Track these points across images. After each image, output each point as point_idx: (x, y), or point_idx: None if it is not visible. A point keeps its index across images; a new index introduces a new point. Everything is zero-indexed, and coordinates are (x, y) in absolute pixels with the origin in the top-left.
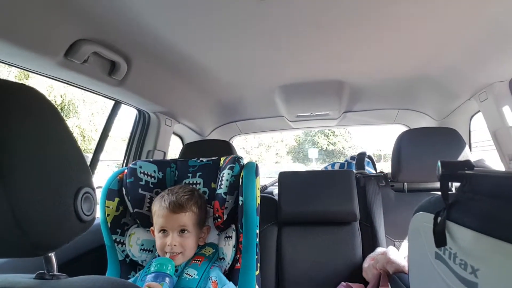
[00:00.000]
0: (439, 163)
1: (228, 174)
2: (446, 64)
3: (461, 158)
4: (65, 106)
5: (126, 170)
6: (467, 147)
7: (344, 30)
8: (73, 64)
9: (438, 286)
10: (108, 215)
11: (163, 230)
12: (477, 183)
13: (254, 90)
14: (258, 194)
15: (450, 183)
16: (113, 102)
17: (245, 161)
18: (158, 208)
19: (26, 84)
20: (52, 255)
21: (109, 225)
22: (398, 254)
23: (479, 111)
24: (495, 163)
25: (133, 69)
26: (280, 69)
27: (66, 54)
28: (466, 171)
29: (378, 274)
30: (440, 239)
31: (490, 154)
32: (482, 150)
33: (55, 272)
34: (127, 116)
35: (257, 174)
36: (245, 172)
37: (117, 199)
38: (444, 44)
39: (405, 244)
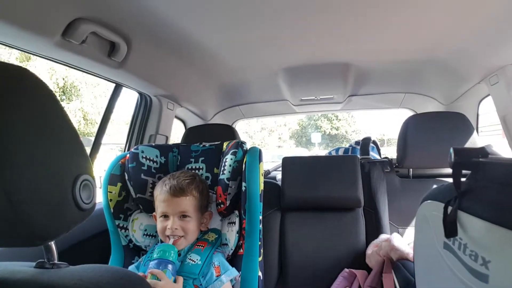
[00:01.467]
0: (451, 150)
1: (231, 159)
2: (456, 46)
3: (469, 143)
4: (67, 89)
5: (128, 155)
6: (475, 132)
7: (351, 10)
8: (71, 44)
9: (446, 276)
10: (110, 200)
11: (164, 215)
12: (491, 171)
13: (257, 73)
14: (262, 179)
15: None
16: (114, 84)
17: (248, 145)
18: (159, 192)
19: (22, 66)
20: (52, 243)
21: (111, 210)
22: (402, 241)
23: (488, 95)
24: (501, 149)
25: (134, 51)
26: (284, 51)
27: (63, 34)
28: (481, 159)
29: (382, 261)
30: (450, 229)
31: (495, 139)
32: (486, 135)
33: (56, 261)
34: (130, 99)
35: (260, 160)
36: (248, 157)
37: (119, 184)
38: (455, 25)
39: (409, 231)
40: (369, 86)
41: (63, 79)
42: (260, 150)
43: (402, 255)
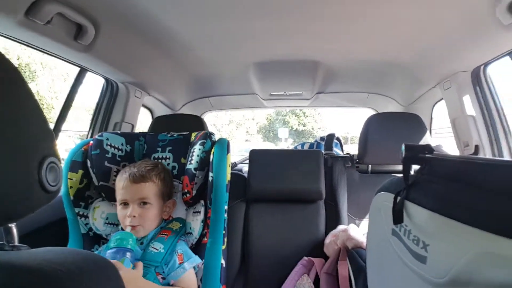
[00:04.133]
0: (403, 146)
1: (199, 149)
2: (416, 52)
3: (422, 143)
4: (22, 70)
5: (91, 142)
6: (428, 133)
7: (322, 10)
8: (35, 24)
9: (392, 259)
10: (71, 187)
11: (124, 203)
12: (435, 166)
13: (228, 66)
14: (229, 171)
15: (411, 166)
16: (78, 69)
17: (216, 137)
18: (119, 180)
19: None
20: (13, 225)
21: (71, 197)
22: (358, 231)
23: (442, 99)
24: (451, 150)
25: (102, 35)
26: (257, 46)
27: (27, 13)
28: (427, 155)
29: (338, 250)
30: (397, 217)
31: (448, 141)
32: (441, 137)
33: (16, 243)
34: (92, 85)
35: (228, 151)
36: (217, 148)
37: (81, 171)
38: (416, 33)
39: (365, 222)
40: (336, 84)
41: (17, 58)
42: (228, 142)
43: (357, 244)
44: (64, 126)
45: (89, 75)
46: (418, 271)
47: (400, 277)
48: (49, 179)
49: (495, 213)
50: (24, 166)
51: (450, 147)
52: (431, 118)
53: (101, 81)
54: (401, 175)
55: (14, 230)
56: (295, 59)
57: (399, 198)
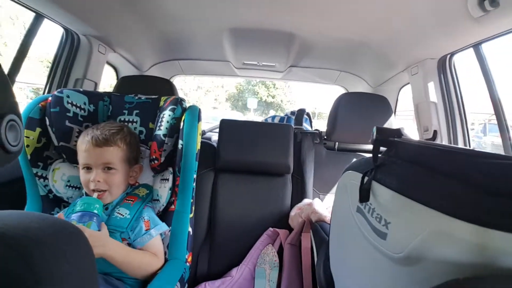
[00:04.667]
0: (374, 129)
1: (169, 115)
2: (388, 34)
3: (387, 124)
4: None
5: (50, 98)
6: (393, 115)
7: None
8: None
9: (355, 234)
10: (27, 146)
11: (87, 167)
12: (400, 150)
13: (202, 28)
14: (199, 139)
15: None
16: (33, 14)
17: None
18: (80, 142)
19: None
20: None
21: (28, 157)
22: (322, 205)
23: (408, 83)
24: (410, 133)
25: None
26: (231, 10)
27: None
28: (396, 138)
29: (303, 222)
30: (364, 195)
31: (407, 123)
32: (401, 119)
33: None
34: (47, 33)
35: (199, 119)
36: (188, 115)
37: (38, 130)
38: (388, 15)
39: (328, 197)
40: (310, 59)
41: None
42: (199, 109)
43: (321, 218)
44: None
45: (46, 23)
46: (378, 246)
47: (361, 251)
48: (9, 139)
49: (448, 195)
50: None
51: (409, 130)
52: (397, 101)
53: (60, 30)
54: (367, 155)
55: None
56: (271, 29)
57: (366, 178)
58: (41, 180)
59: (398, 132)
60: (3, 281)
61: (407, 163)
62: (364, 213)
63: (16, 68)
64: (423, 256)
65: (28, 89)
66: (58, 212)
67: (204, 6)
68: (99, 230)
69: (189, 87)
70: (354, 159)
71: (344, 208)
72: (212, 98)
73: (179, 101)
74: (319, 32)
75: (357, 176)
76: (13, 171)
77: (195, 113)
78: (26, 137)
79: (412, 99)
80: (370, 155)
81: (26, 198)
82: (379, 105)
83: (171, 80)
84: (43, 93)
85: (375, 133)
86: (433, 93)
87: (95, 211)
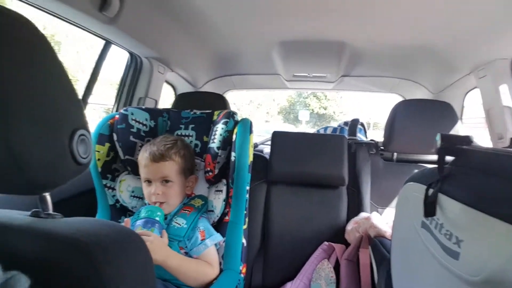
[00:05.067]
0: (438, 136)
1: (222, 128)
2: (451, 37)
3: (453, 133)
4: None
5: (117, 116)
6: (459, 122)
7: None
8: None
9: (420, 252)
10: (98, 159)
11: (148, 180)
12: (472, 159)
13: (253, 44)
14: (251, 151)
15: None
16: (103, 42)
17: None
18: (141, 157)
19: (17, 11)
20: (47, 195)
21: (99, 169)
22: (381, 220)
23: (475, 87)
24: (480, 142)
25: (126, 7)
26: (282, 24)
27: None
28: (464, 146)
29: (360, 237)
30: (430, 210)
31: (476, 132)
32: (469, 127)
33: (50, 212)
34: (115, 60)
35: (251, 131)
36: (240, 128)
37: (107, 145)
38: (452, 16)
39: (388, 211)
40: (362, 68)
41: (43, 29)
42: (251, 122)
43: (380, 233)
44: (90, 99)
45: (114, 50)
46: (449, 267)
47: (429, 271)
48: (80, 151)
49: None
50: (56, 137)
51: (480, 139)
52: (462, 107)
53: (126, 55)
54: (428, 165)
55: (49, 199)
56: (321, 40)
57: (431, 190)
58: (110, 190)
59: (467, 139)
60: (73, 281)
61: (481, 173)
62: (430, 229)
63: (88, 90)
64: (505, 280)
65: (101, 110)
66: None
67: (255, 23)
68: (160, 235)
69: (241, 101)
70: (415, 170)
71: (406, 223)
72: (264, 111)
73: (231, 115)
74: (373, 39)
75: (420, 188)
76: (87, 183)
77: (247, 126)
78: (97, 151)
79: (482, 105)
80: (432, 166)
81: (97, 207)
82: (442, 112)
83: (224, 95)
84: (112, 111)
85: (439, 141)
86: (507, 97)
87: (157, 219)
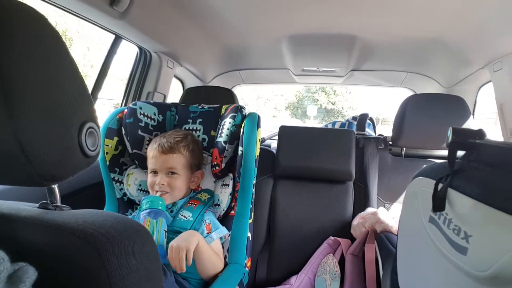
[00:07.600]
0: (450, 130)
1: (230, 123)
2: (464, 30)
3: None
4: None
5: (125, 110)
6: (471, 117)
7: None
8: None
9: (427, 247)
10: (106, 153)
11: (154, 171)
12: (484, 154)
13: (261, 38)
14: (258, 145)
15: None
16: (113, 36)
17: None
18: (149, 149)
19: (32, 7)
20: (56, 186)
21: (107, 163)
22: (388, 215)
23: (489, 81)
24: (492, 136)
25: (136, 2)
26: (291, 18)
27: None
28: (477, 141)
29: (366, 232)
30: (439, 204)
31: (487, 127)
32: (480, 122)
33: (58, 203)
34: (124, 55)
35: (259, 126)
36: (247, 122)
37: (116, 138)
38: (466, 8)
39: (395, 207)
40: (373, 61)
41: (55, 25)
42: (259, 116)
43: (386, 228)
44: (99, 94)
45: (123, 45)
46: (457, 262)
47: (435, 266)
48: (89, 144)
49: None
50: (66, 130)
51: (492, 135)
52: (475, 102)
53: (135, 49)
54: (437, 160)
55: (57, 191)
56: (331, 33)
57: (440, 184)
58: (118, 184)
59: (479, 133)
60: (79, 271)
61: (493, 168)
62: (438, 224)
63: (98, 85)
64: None
65: (110, 104)
66: (131, 214)
67: (264, 17)
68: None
69: (249, 97)
70: (424, 166)
71: (414, 218)
72: (272, 107)
73: (239, 109)
74: (384, 32)
75: (429, 183)
76: (95, 176)
77: (255, 120)
78: (106, 145)
79: (494, 100)
80: (441, 161)
81: (105, 200)
82: (454, 106)
83: (233, 89)
84: (120, 106)
85: (451, 135)
86: None
87: (160, 208)
